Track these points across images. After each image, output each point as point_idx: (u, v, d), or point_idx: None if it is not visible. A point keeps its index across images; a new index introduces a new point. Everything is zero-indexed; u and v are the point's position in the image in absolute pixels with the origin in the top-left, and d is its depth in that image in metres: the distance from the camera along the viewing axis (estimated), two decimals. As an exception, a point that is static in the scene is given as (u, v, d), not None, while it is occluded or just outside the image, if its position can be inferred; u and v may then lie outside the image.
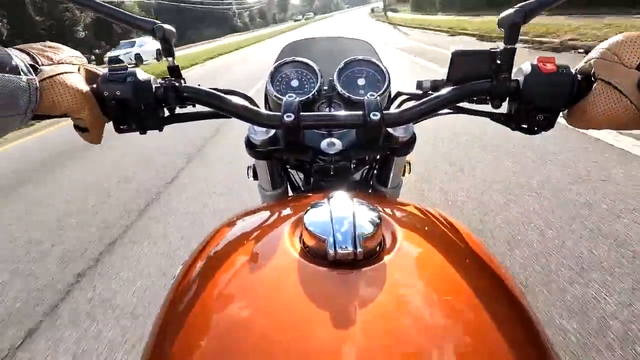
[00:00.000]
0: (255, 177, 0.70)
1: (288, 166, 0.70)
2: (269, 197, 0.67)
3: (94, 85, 0.43)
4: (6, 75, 0.34)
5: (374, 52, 0.70)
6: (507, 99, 0.47)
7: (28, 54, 0.40)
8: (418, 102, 0.47)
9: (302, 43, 0.74)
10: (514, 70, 0.45)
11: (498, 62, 0.44)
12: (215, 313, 0.30)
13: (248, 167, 0.75)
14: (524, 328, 0.31)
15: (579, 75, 0.42)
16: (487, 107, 0.50)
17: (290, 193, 0.73)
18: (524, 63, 0.44)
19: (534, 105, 0.43)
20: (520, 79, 0.44)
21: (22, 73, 0.35)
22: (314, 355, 0.25)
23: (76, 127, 0.43)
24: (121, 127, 0.45)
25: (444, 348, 0.26)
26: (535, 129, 0.46)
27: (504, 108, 0.49)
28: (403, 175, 0.70)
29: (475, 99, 0.49)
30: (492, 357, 0.27)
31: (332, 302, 0.29)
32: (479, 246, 0.39)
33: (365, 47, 0.72)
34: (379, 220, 0.34)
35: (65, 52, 0.44)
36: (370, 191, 0.69)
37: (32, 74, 0.37)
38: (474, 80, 0.46)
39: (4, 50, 0.36)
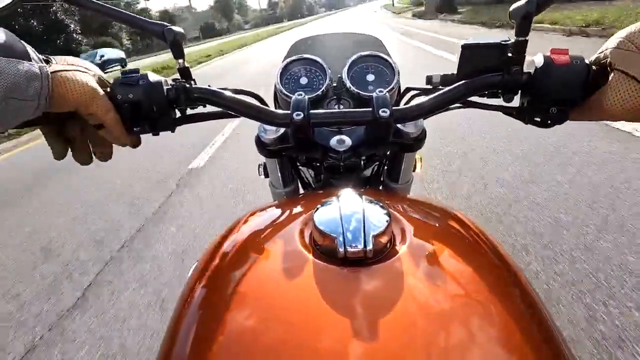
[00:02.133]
0: (266, 174, 0.71)
1: (298, 164, 0.71)
2: (280, 195, 0.67)
3: (108, 89, 0.44)
4: (18, 60, 0.34)
5: (383, 47, 0.69)
6: (519, 92, 0.46)
7: (42, 54, 0.41)
8: (428, 98, 0.46)
9: (311, 40, 0.74)
10: (526, 62, 0.44)
11: (509, 54, 0.44)
12: (229, 312, 0.31)
13: (259, 164, 0.76)
14: (537, 327, 0.31)
15: (593, 66, 0.41)
16: (499, 101, 0.49)
17: (301, 190, 0.74)
18: (536, 55, 0.43)
19: (547, 99, 0.43)
20: (533, 71, 0.43)
21: (32, 60, 0.36)
22: (326, 354, 0.26)
23: (93, 125, 0.44)
24: (134, 129, 0.46)
25: (457, 346, 0.26)
26: (549, 122, 0.45)
27: (515, 101, 0.48)
28: (414, 171, 0.69)
29: (486, 92, 0.48)
30: (506, 355, 0.27)
31: (342, 300, 0.29)
32: (491, 242, 0.39)
33: (374, 42, 0.71)
34: (388, 218, 0.34)
35: (83, 62, 0.45)
36: (381, 187, 0.69)
37: (42, 62, 0.37)
38: (485, 74, 0.45)
39: (16, 38, 0.36)
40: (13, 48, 0.34)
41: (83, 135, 0.46)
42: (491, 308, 0.30)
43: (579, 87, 0.41)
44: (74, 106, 0.40)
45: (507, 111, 0.49)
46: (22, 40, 0.37)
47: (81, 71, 0.42)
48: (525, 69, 0.44)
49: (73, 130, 0.46)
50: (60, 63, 0.42)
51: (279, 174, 0.65)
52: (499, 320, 0.29)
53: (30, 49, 0.36)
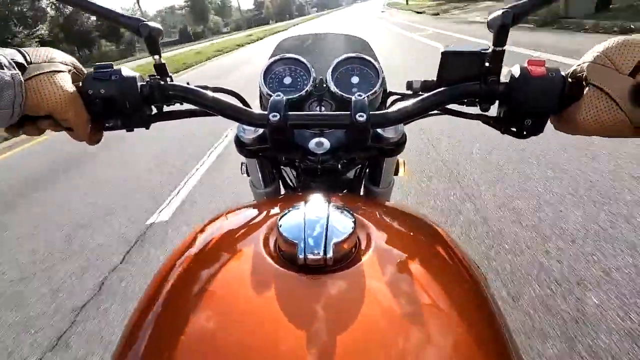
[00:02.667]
0: (248, 173, 0.70)
1: (280, 164, 0.70)
2: (260, 195, 0.67)
3: (79, 84, 0.43)
4: None
5: (370, 49, 0.69)
6: (497, 101, 0.46)
7: (19, 51, 0.40)
8: (406, 104, 0.46)
9: (297, 39, 0.73)
10: (504, 72, 0.44)
11: (487, 64, 0.43)
12: (185, 316, 0.31)
13: (242, 162, 0.75)
14: (491, 333, 0.32)
15: (570, 79, 0.41)
16: (477, 109, 0.49)
17: (283, 191, 0.73)
18: (513, 66, 0.43)
19: (523, 109, 0.42)
20: (509, 81, 0.43)
21: (4, 68, 0.35)
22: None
23: (61, 125, 0.44)
24: (106, 125, 0.45)
25: (412, 354, 0.26)
26: (524, 133, 0.45)
27: (494, 111, 0.48)
28: (396, 175, 0.69)
29: (465, 100, 0.48)
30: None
31: (298, 308, 0.29)
32: (456, 250, 0.39)
33: (361, 44, 0.71)
34: (353, 225, 0.34)
35: (57, 54, 0.44)
36: (362, 191, 0.69)
37: (15, 69, 0.37)
38: (464, 81, 0.45)
39: None
40: None
41: (56, 128, 0.46)
42: (448, 315, 0.30)
43: (554, 99, 0.41)
44: (48, 112, 0.41)
45: (485, 120, 0.49)
46: None
47: (57, 71, 0.41)
48: (503, 79, 0.44)
49: (46, 125, 0.45)
50: (35, 60, 0.41)
51: (259, 174, 0.64)
52: (455, 328, 0.29)
53: (0, 56, 0.36)
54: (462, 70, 0.45)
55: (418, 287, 0.32)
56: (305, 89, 0.58)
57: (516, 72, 0.42)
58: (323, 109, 0.59)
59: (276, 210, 0.44)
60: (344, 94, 0.57)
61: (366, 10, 39.77)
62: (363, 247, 0.35)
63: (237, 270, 0.34)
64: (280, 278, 0.31)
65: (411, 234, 0.41)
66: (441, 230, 0.42)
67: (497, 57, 0.42)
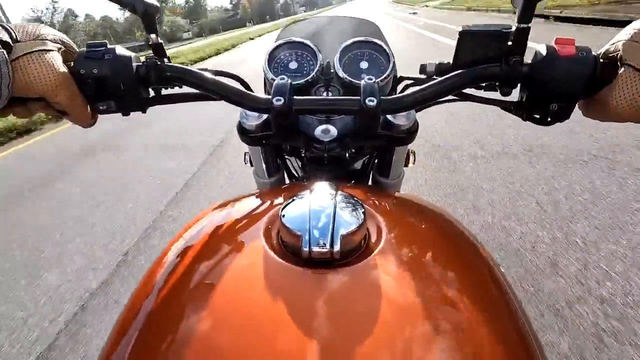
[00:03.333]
0: (252, 163, 0.67)
1: (285, 153, 0.68)
2: (264, 185, 0.64)
3: (71, 64, 0.41)
4: None
5: (380, 33, 0.65)
6: (519, 85, 0.42)
7: (3, 27, 0.38)
8: (420, 88, 0.43)
9: (305, 23, 0.70)
10: (528, 52, 0.40)
11: (510, 43, 0.40)
12: (180, 313, 0.28)
13: (245, 152, 0.72)
14: (512, 329, 0.29)
15: (602, 60, 0.37)
16: (497, 94, 0.45)
17: (288, 181, 0.70)
18: (539, 45, 0.39)
19: (548, 93, 0.39)
20: (534, 62, 0.39)
21: None
22: (278, 358, 0.23)
23: (56, 110, 0.42)
24: (100, 107, 0.43)
25: (422, 351, 0.24)
26: (549, 119, 0.41)
27: (514, 95, 0.44)
28: (406, 165, 0.66)
29: (483, 84, 0.44)
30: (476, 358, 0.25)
31: (303, 305, 0.26)
32: (472, 244, 0.36)
33: (371, 28, 0.67)
34: (363, 216, 0.31)
35: (46, 30, 0.42)
36: (370, 182, 0.66)
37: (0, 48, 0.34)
38: (484, 64, 0.42)
39: None
40: None
41: (48, 110, 0.44)
42: (467, 313, 0.27)
43: (583, 81, 0.37)
44: (40, 94, 0.38)
45: (505, 106, 0.45)
46: None
47: (47, 50, 0.39)
48: (526, 60, 0.40)
49: (37, 108, 0.43)
50: (22, 38, 0.38)
51: (263, 163, 0.62)
52: (470, 324, 0.27)
53: None
54: (481, 52, 0.42)
55: (433, 284, 0.29)
56: (312, 74, 0.55)
57: (542, 51, 0.38)
58: (330, 94, 0.56)
59: (279, 200, 0.42)
60: (352, 80, 0.54)
61: (366, 8, 32.94)
62: (373, 240, 0.32)
63: (236, 264, 0.31)
64: (282, 272, 0.29)
65: (425, 226, 0.38)
66: (457, 223, 0.39)
67: (521, 35, 0.38)
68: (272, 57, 0.59)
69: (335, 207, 0.31)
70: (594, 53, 0.38)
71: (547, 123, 0.42)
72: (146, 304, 0.31)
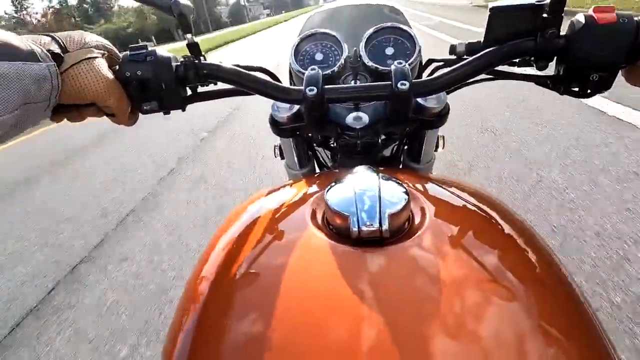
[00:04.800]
0: (282, 156, 0.69)
1: (314, 144, 0.69)
2: (296, 176, 0.66)
3: (116, 67, 0.43)
4: (25, 62, 0.33)
5: (403, 17, 0.65)
6: (555, 58, 0.42)
7: (54, 38, 0.40)
8: (451, 68, 0.43)
9: (327, 13, 0.70)
10: (564, 24, 0.40)
11: (544, 15, 0.39)
12: (239, 296, 0.30)
13: (275, 146, 0.74)
14: (575, 317, 0.28)
15: None
16: (530, 70, 0.45)
17: (318, 171, 0.72)
18: (576, 15, 0.38)
19: (588, 64, 0.38)
20: (572, 34, 0.38)
21: (41, 60, 0.35)
22: (341, 338, 0.24)
23: (104, 112, 0.44)
24: (144, 107, 0.45)
25: (484, 333, 0.24)
26: (589, 91, 0.40)
27: (550, 69, 0.43)
28: (436, 150, 0.66)
29: (516, 60, 0.44)
30: (536, 348, 0.24)
31: (356, 282, 0.27)
32: (520, 224, 0.36)
33: (394, 13, 0.67)
34: (406, 196, 0.32)
35: (91, 37, 0.44)
36: (400, 168, 0.66)
37: (50, 60, 0.36)
38: (516, 39, 0.41)
39: (19, 37, 0.35)
40: (18, 50, 0.33)
41: (98, 114, 0.47)
42: (519, 293, 0.27)
43: (625, 49, 0.36)
44: (90, 99, 0.41)
45: (541, 81, 0.44)
46: (30, 37, 0.36)
47: (93, 57, 0.41)
48: (562, 32, 0.40)
49: (90, 113, 0.46)
50: (70, 47, 0.41)
51: (295, 155, 0.63)
52: (527, 307, 0.26)
53: (35, 47, 0.35)
54: (513, 27, 0.41)
55: (485, 263, 0.29)
56: (338, 64, 0.56)
57: (580, 21, 0.37)
58: (359, 82, 0.56)
59: (316, 185, 0.43)
60: (379, 66, 0.54)
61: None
62: (417, 219, 0.33)
63: (289, 247, 0.32)
64: (333, 252, 0.30)
65: (468, 206, 0.38)
66: (498, 201, 0.39)
67: (557, 6, 0.38)
68: (297, 50, 0.60)
69: (379, 188, 0.32)
70: (635, 19, 0.36)
71: (587, 95, 0.41)
72: (205, 291, 0.33)
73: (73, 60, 0.39)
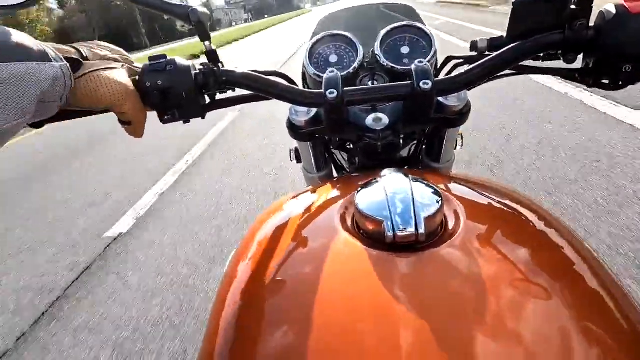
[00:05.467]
0: (299, 160, 0.68)
1: (331, 146, 0.68)
2: (314, 180, 0.65)
3: (136, 78, 0.43)
4: (39, 62, 0.33)
5: (417, 15, 0.64)
6: (583, 51, 0.40)
7: (74, 48, 0.41)
8: (474, 65, 0.42)
9: (339, 14, 0.70)
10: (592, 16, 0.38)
11: (572, 7, 0.38)
12: (275, 302, 0.29)
13: (290, 149, 0.74)
14: (621, 317, 0.26)
15: None
16: (556, 63, 0.44)
17: (335, 174, 0.71)
18: (606, 5, 0.37)
19: (620, 55, 0.37)
20: (602, 25, 0.37)
21: (53, 60, 0.35)
22: (381, 345, 0.23)
23: (120, 121, 0.44)
24: (165, 117, 0.45)
25: (529, 338, 0.23)
26: (620, 82, 0.39)
27: (577, 63, 0.42)
28: (455, 148, 0.65)
29: (541, 55, 0.43)
30: (581, 349, 0.23)
31: (399, 289, 0.26)
32: (555, 222, 0.35)
33: (407, 10, 0.66)
34: (439, 198, 0.31)
35: (111, 48, 0.44)
36: (420, 168, 0.65)
37: (62, 61, 0.36)
38: (541, 32, 0.40)
39: (32, 39, 0.35)
40: (32, 50, 0.33)
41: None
42: (565, 292, 0.26)
43: None
44: (106, 105, 0.41)
45: (568, 74, 0.43)
46: (49, 45, 0.36)
47: (113, 67, 0.41)
48: (591, 23, 0.38)
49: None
50: (90, 55, 0.41)
51: (312, 159, 0.63)
52: (576, 308, 0.25)
53: (48, 49, 0.35)
54: (538, 20, 0.40)
55: (528, 265, 0.28)
56: (354, 65, 0.55)
57: (611, 11, 0.36)
58: (376, 83, 0.55)
59: (344, 189, 0.42)
60: (395, 66, 0.54)
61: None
62: (451, 222, 0.32)
63: (324, 253, 0.32)
64: (371, 258, 0.29)
65: (502, 206, 0.37)
66: (528, 198, 0.38)
67: None
68: (312, 53, 0.59)
69: (411, 190, 0.31)
70: None
71: (619, 87, 0.39)
72: (239, 294, 0.32)
73: (90, 68, 0.40)
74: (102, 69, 0.40)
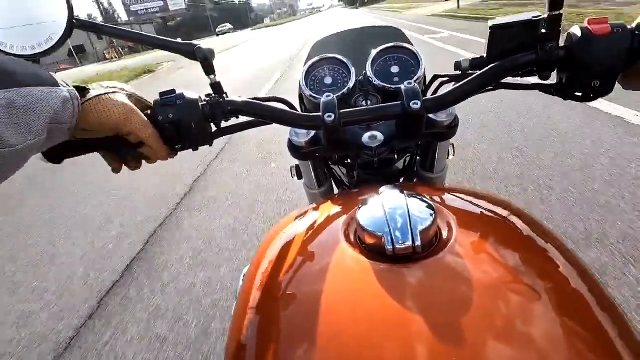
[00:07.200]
0: (299, 176, 0.72)
1: (330, 163, 0.71)
2: (315, 195, 0.68)
3: (149, 112, 0.47)
4: (50, 87, 0.36)
5: (405, 37, 0.68)
6: (556, 68, 0.44)
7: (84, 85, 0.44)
8: (459, 84, 0.45)
9: (331, 38, 0.74)
10: (562, 36, 0.42)
11: (543, 30, 0.42)
12: (288, 315, 0.32)
13: (291, 167, 0.77)
14: (608, 322, 0.28)
15: (637, 32, 0.39)
16: (533, 80, 0.47)
17: (335, 189, 0.74)
18: (572, 28, 0.41)
19: (589, 72, 0.41)
20: (570, 45, 0.41)
21: (60, 85, 0.38)
22: (391, 353, 0.26)
23: (138, 157, 0.47)
24: (177, 147, 0.48)
25: (525, 343, 0.26)
26: (591, 95, 0.43)
27: (552, 78, 0.46)
28: (447, 158, 0.68)
29: (519, 72, 0.46)
30: (577, 355, 0.25)
31: (400, 297, 0.29)
32: (540, 227, 0.38)
33: (395, 33, 0.70)
34: (433, 211, 0.34)
35: (121, 85, 0.47)
36: (415, 179, 0.69)
37: (69, 86, 0.39)
38: (517, 53, 0.44)
39: (38, 66, 0.38)
40: (44, 77, 0.36)
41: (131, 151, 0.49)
42: (552, 301, 0.29)
43: (622, 57, 0.39)
44: (112, 127, 0.42)
45: (545, 89, 0.47)
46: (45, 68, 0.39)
47: (114, 92, 0.44)
48: (561, 44, 0.42)
49: (125, 152, 0.48)
50: (95, 86, 0.44)
51: (313, 176, 0.66)
52: (561, 316, 0.28)
53: (56, 77, 0.38)
54: (513, 42, 0.44)
55: (512, 266, 0.31)
56: (347, 87, 0.59)
57: (577, 34, 0.40)
58: (369, 102, 0.59)
59: (345, 206, 0.45)
60: (386, 85, 0.57)
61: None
62: (445, 233, 0.35)
63: (331, 266, 0.35)
64: (371, 271, 0.32)
65: (491, 216, 0.40)
66: (516, 207, 0.41)
67: (554, 22, 0.41)
68: (308, 75, 0.63)
69: (407, 205, 0.34)
70: (629, 27, 0.39)
71: (590, 99, 0.43)
72: (254, 311, 0.35)
73: (96, 93, 0.42)
74: (106, 93, 0.43)
